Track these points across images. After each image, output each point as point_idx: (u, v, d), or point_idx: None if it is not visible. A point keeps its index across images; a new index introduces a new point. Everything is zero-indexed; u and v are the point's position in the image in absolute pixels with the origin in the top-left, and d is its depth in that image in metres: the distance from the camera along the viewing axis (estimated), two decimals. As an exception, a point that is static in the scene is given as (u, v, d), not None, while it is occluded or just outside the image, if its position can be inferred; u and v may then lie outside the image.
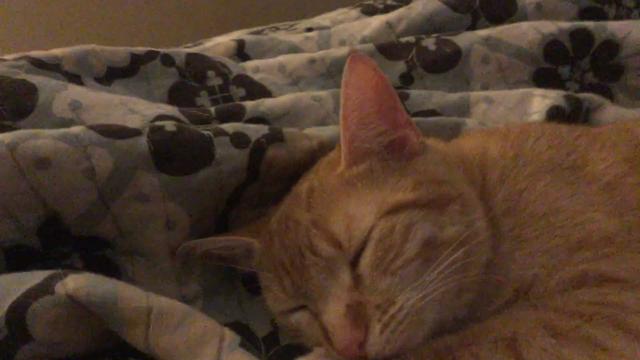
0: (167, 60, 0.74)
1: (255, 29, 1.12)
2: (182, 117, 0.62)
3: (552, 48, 0.80)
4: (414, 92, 0.74)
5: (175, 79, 0.73)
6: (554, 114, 0.69)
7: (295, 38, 0.92)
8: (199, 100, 0.73)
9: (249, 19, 1.40)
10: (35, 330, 0.43)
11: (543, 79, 0.80)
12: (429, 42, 0.81)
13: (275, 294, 0.50)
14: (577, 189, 0.51)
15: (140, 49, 0.74)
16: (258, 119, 0.67)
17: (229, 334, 0.47)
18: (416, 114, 0.73)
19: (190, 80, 0.74)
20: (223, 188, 0.55)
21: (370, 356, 0.43)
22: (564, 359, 0.41)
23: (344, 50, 0.83)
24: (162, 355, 0.45)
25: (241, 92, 0.76)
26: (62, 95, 0.59)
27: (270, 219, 0.54)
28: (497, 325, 0.45)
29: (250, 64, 0.82)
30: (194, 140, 0.53)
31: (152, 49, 0.75)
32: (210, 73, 0.75)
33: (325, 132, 0.63)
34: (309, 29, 1.03)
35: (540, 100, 0.71)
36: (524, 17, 0.88)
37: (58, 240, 0.51)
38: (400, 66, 0.81)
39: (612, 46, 0.80)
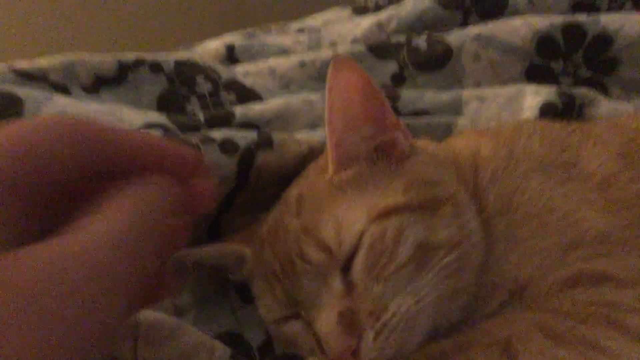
0: (156, 67, 0.73)
1: (247, 30, 1.12)
2: (171, 125, 0.62)
3: (545, 43, 0.79)
4: (406, 92, 0.74)
5: (164, 86, 0.73)
6: (547, 111, 0.68)
7: (285, 40, 0.91)
8: (188, 106, 0.72)
9: (242, 20, 1.39)
10: None
11: (536, 74, 0.79)
12: (420, 41, 0.81)
13: (267, 303, 0.49)
14: (571, 186, 0.51)
15: (128, 57, 0.73)
16: (248, 124, 0.66)
17: (219, 347, 0.46)
18: (408, 114, 0.72)
19: (180, 87, 0.74)
20: (212, 196, 0.54)
21: None
22: None
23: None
24: (152, 369, 0.44)
25: (232, 97, 0.75)
26: (47, 106, 0.58)
27: (260, 226, 0.53)
28: (492, 329, 0.44)
29: (240, 69, 0.81)
30: (181, 148, 0.52)
31: (140, 56, 0.74)
32: (200, 79, 0.75)
33: (315, 136, 0.62)
34: (301, 30, 1.02)
35: (533, 97, 0.70)
36: (516, 12, 0.88)
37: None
38: (392, 66, 0.80)
39: (605, 39, 0.79)
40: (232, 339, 0.52)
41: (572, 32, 0.79)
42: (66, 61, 0.68)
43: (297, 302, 0.46)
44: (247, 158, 0.55)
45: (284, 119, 0.68)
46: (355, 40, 0.89)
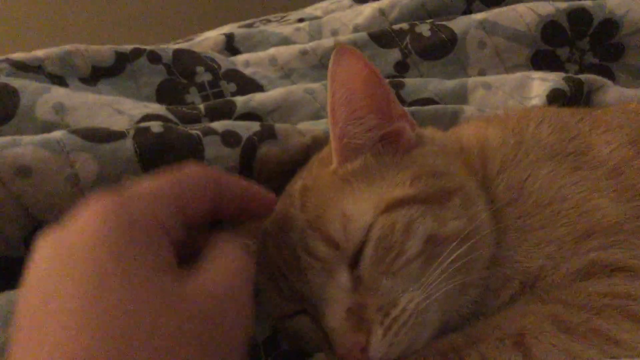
0: (154, 57, 0.72)
1: (245, 22, 1.10)
2: (171, 116, 0.60)
3: (550, 29, 0.78)
4: (410, 81, 0.72)
5: (163, 77, 0.71)
6: (555, 97, 0.67)
7: (285, 29, 0.90)
8: (188, 97, 0.71)
9: (240, 12, 1.38)
10: None
11: (541, 61, 0.78)
12: (424, 29, 0.79)
13: (272, 298, 0.48)
14: (582, 175, 0.49)
15: (126, 47, 0.72)
16: (249, 115, 0.65)
17: None
18: (413, 103, 0.71)
19: (179, 77, 0.72)
20: (215, 189, 0.53)
21: None
22: (574, 354, 0.39)
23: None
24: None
25: (232, 87, 0.73)
26: (44, 97, 0.57)
27: (264, 220, 0.52)
28: (504, 322, 0.43)
29: (240, 58, 0.80)
30: (182, 141, 0.51)
31: (138, 46, 0.73)
32: (199, 69, 0.73)
33: (318, 126, 0.61)
34: (301, 20, 1.01)
35: (540, 84, 0.69)
36: (520, -1, 0.86)
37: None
38: (395, 54, 0.79)
39: (611, 25, 0.78)
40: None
41: (578, 17, 0.78)
42: (63, 51, 0.67)
43: (303, 298, 0.45)
44: (249, 150, 0.54)
45: (285, 109, 0.67)
46: (357, 29, 0.88)
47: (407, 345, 0.42)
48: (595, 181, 0.49)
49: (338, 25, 0.89)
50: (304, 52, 0.79)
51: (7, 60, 0.64)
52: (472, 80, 0.73)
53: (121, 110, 0.59)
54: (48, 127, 0.56)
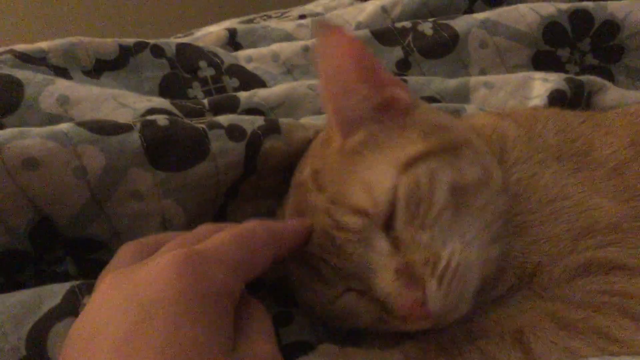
0: (157, 51, 0.72)
1: (246, 17, 1.10)
2: (175, 110, 0.61)
3: (551, 30, 0.79)
4: (412, 79, 0.73)
5: (166, 71, 0.71)
6: (556, 98, 0.68)
7: (287, 26, 0.90)
8: (191, 91, 0.71)
9: (240, 8, 1.37)
10: (55, 354, 0.40)
11: (542, 61, 0.79)
12: (426, 27, 0.80)
13: (315, 289, 0.47)
14: (583, 175, 0.50)
15: (129, 40, 0.72)
16: (252, 110, 0.65)
17: None
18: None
19: (182, 72, 0.72)
20: (220, 182, 0.53)
21: (435, 312, 0.42)
22: (573, 351, 0.40)
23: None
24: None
25: (234, 82, 0.74)
26: (49, 89, 0.57)
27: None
28: (503, 318, 0.44)
29: (242, 53, 0.80)
30: (188, 134, 0.51)
31: (142, 39, 0.73)
32: (202, 64, 0.73)
33: (321, 120, 0.61)
34: (302, 16, 1.01)
35: (541, 84, 0.70)
36: (522, -1, 0.87)
37: (50, 244, 0.49)
38: (397, 52, 0.79)
39: (612, 27, 0.79)
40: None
41: (580, 18, 0.79)
42: (66, 43, 0.67)
43: (348, 275, 0.45)
44: (254, 144, 0.54)
45: (288, 105, 0.67)
46: (359, 26, 0.88)
47: (458, 295, 0.43)
48: (595, 182, 0.50)
49: (340, 22, 0.89)
50: (306, 49, 0.79)
51: (11, 51, 0.64)
52: (474, 80, 0.73)
53: (125, 103, 0.59)
54: (52, 119, 0.56)
